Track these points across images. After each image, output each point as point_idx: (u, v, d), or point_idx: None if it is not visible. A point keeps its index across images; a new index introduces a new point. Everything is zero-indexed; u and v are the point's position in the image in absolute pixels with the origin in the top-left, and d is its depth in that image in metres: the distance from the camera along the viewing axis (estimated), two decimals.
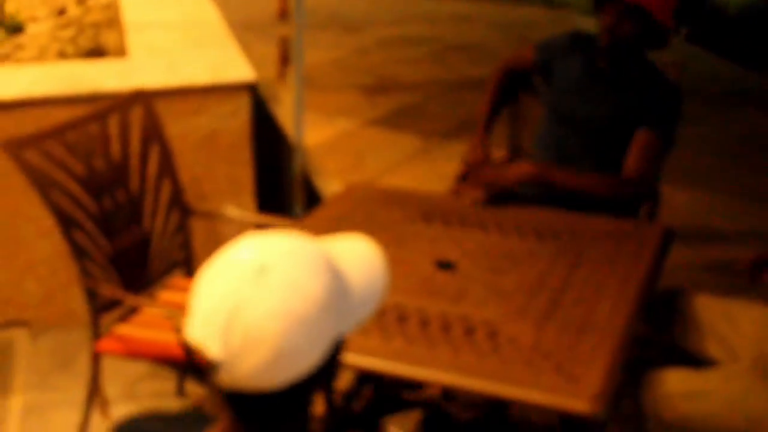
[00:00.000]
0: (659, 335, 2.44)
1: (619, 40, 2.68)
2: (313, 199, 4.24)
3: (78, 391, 3.14)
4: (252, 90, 3.49)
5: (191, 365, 1.17)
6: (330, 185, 4.26)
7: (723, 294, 2.88)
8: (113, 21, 4.29)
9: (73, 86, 3.30)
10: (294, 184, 4.14)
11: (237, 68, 3.50)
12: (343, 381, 2.79)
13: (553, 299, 2.19)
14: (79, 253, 2.60)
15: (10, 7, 4.42)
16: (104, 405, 2.82)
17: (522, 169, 2.67)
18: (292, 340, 1.14)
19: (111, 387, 3.00)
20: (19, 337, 3.57)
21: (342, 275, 1.25)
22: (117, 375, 3.15)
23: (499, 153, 3.16)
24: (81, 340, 3.29)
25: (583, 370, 1.92)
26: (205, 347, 1.15)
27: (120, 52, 3.81)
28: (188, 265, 3.00)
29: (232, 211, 2.99)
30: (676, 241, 3.45)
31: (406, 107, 5.44)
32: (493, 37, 6.93)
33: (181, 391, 3.20)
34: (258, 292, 1.15)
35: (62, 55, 3.80)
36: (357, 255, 1.32)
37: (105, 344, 2.66)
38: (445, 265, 2.35)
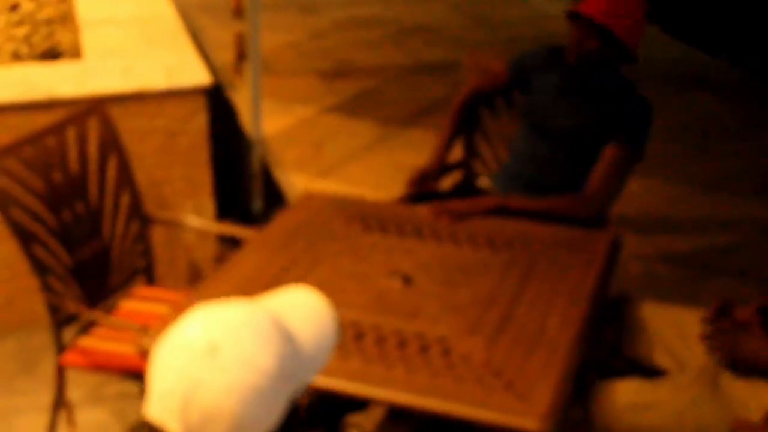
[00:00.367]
0: (608, 343, 2.53)
1: (586, 55, 2.76)
2: (272, 191, 4.29)
3: (42, 395, 3.17)
4: (208, 93, 3.51)
5: None
6: (289, 177, 4.30)
7: (677, 286, 2.96)
8: (67, 17, 4.27)
9: (28, 92, 3.30)
10: (253, 179, 4.18)
11: (193, 72, 3.52)
12: None
13: (505, 315, 2.26)
14: (39, 268, 2.63)
15: None
16: (70, 414, 2.86)
17: (485, 202, 2.78)
18: (250, 412, 1.19)
19: (75, 391, 3.04)
20: None
21: (292, 336, 1.28)
22: (81, 378, 3.18)
23: (456, 155, 3.23)
24: (43, 343, 3.30)
25: (533, 388, 2.00)
26: (165, 425, 1.19)
27: (75, 53, 3.80)
28: (149, 273, 3.04)
29: (192, 219, 3.03)
30: (631, 230, 3.52)
31: (364, 93, 5.47)
32: (450, 19, 6.97)
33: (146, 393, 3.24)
34: (211, 372, 1.18)
35: (16, 56, 3.79)
36: (304, 311, 1.35)
37: (69, 358, 2.70)
38: (400, 279, 2.41)
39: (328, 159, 4.55)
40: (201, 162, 3.60)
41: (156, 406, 1.21)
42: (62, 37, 3.96)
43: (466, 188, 3.23)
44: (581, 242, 2.62)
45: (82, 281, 2.78)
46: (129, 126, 3.30)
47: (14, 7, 4.33)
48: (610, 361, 2.52)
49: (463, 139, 3.30)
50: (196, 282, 3.74)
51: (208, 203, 3.69)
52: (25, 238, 2.59)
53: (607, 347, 2.55)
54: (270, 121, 4.52)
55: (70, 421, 2.87)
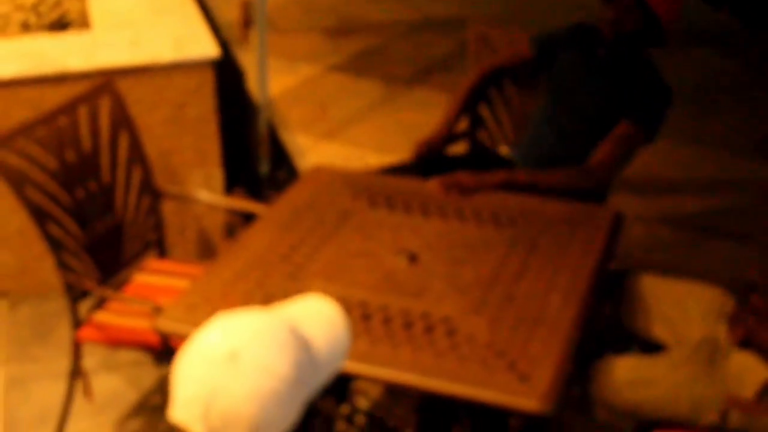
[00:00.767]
0: (609, 316, 2.59)
1: (622, 34, 2.82)
2: (278, 153, 4.33)
3: (57, 362, 3.28)
4: (216, 65, 3.55)
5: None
6: (295, 138, 4.34)
7: (678, 248, 2.98)
8: None
9: (39, 65, 3.34)
10: (260, 143, 4.22)
11: (200, 43, 3.55)
12: None
13: (508, 293, 2.33)
14: (54, 245, 2.70)
15: None
16: (87, 383, 2.95)
17: (494, 177, 2.80)
18: (268, 416, 1.27)
19: (89, 358, 3.10)
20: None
21: (308, 343, 1.37)
22: (96, 345, 3.27)
23: (462, 125, 3.27)
24: (57, 309, 3.40)
25: (534, 369, 2.07)
26: (189, 427, 1.27)
27: (83, 22, 3.82)
28: (161, 246, 3.11)
29: (202, 194, 3.10)
30: (632, 193, 3.53)
31: (370, 50, 5.46)
32: None
33: (159, 360, 3.34)
34: (231, 379, 1.27)
35: (26, 26, 3.81)
36: (319, 318, 1.43)
37: (85, 333, 2.78)
38: (406, 258, 2.47)
39: (334, 119, 4.58)
40: (209, 133, 3.65)
41: (180, 410, 1.29)
42: (70, 6, 3.98)
43: (478, 156, 3.28)
44: (583, 218, 2.67)
45: (96, 256, 2.85)
46: (137, 97, 3.35)
47: None
48: (608, 334, 2.58)
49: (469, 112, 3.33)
50: (206, 252, 3.82)
51: (217, 173, 3.75)
52: (40, 216, 2.65)
53: (605, 320, 2.61)
54: (275, 80, 4.51)
55: (87, 391, 2.96)
